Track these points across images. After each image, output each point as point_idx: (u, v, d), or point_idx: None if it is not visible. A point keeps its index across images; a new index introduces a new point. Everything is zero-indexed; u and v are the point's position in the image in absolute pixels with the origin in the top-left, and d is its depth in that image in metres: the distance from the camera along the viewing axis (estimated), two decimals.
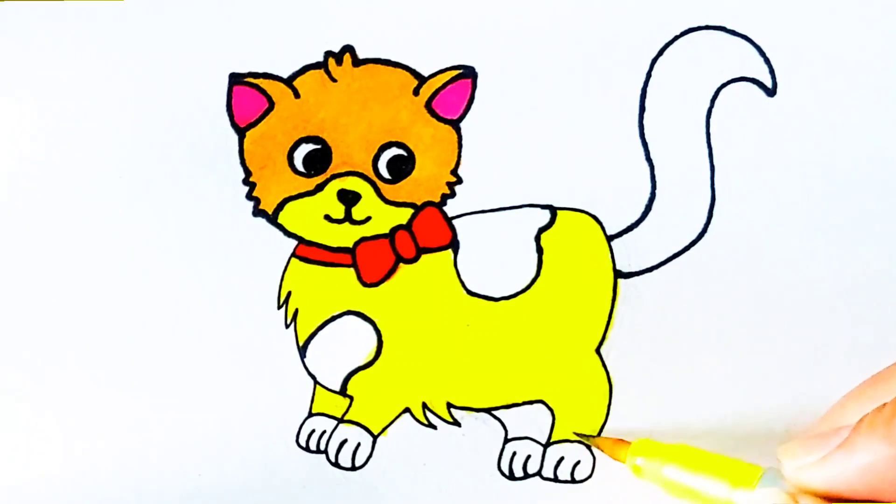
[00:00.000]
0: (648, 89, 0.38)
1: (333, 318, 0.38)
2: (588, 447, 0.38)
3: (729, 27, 0.39)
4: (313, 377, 0.38)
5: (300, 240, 0.38)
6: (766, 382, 0.38)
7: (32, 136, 0.38)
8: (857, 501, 0.31)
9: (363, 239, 0.38)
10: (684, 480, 0.35)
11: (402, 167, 0.38)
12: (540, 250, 0.38)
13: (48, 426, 0.37)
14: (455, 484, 0.38)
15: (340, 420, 0.38)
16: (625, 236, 0.38)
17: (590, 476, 0.38)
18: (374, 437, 0.38)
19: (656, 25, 0.38)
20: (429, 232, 0.38)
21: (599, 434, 0.38)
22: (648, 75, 0.38)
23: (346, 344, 0.38)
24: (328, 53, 0.38)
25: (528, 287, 0.38)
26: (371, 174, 0.38)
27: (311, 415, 0.38)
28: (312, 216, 0.38)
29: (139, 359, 0.38)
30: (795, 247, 0.39)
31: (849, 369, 0.37)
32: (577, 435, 0.38)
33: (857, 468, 0.31)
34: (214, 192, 0.38)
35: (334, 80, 0.38)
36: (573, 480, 0.38)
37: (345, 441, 0.38)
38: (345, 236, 0.38)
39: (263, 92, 0.38)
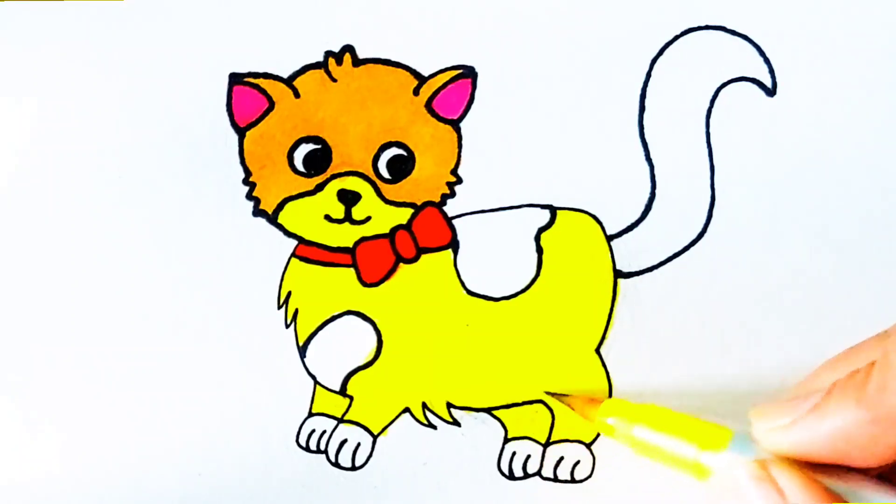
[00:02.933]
0: (648, 89, 0.38)
1: (333, 318, 0.38)
2: (588, 446, 0.38)
3: (729, 27, 0.39)
4: (313, 377, 0.38)
5: (300, 240, 0.38)
6: (765, 382, 0.38)
7: (32, 135, 0.38)
8: (825, 466, 0.31)
9: (363, 239, 0.38)
10: (654, 440, 0.35)
11: (402, 167, 0.38)
12: (540, 250, 0.38)
13: (48, 426, 0.37)
14: (455, 484, 0.38)
15: (340, 420, 0.38)
16: (625, 236, 0.38)
17: (589, 476, 0.38)
18: (374, 437, 0.38)
19: (656, 25, 0.39)
20: (429, 232, 0.38)
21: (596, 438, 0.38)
22: (648, 75, 0.38)
23: (345, 344, 0.38)
24: (328, 53, 0.38)
25: (528, 287, 0.38)
26: (371, 174, 0.38)
27: (311, 415, 0.38)
28: (312, 216, 0.38)
29: (139, 359, 0.38)
30: (795, 246, 0.39)
31: None
32: (548, 394, 0.38)
33: (828, 431, 0.31)
34: (214, 192, 0.38)
35: (334, 80, 0.38)
36: (573, 480, 0.38)
37: (345, 441, 0.38)
38: (345, 236, 0.38)
39: (263, 92, 0.38)
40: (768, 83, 0.39)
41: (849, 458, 0.31)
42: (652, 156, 0.38)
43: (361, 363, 0.38)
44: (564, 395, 0.38)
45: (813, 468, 0.32)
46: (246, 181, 0.38)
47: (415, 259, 0.38)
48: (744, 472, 0.32)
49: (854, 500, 0.31)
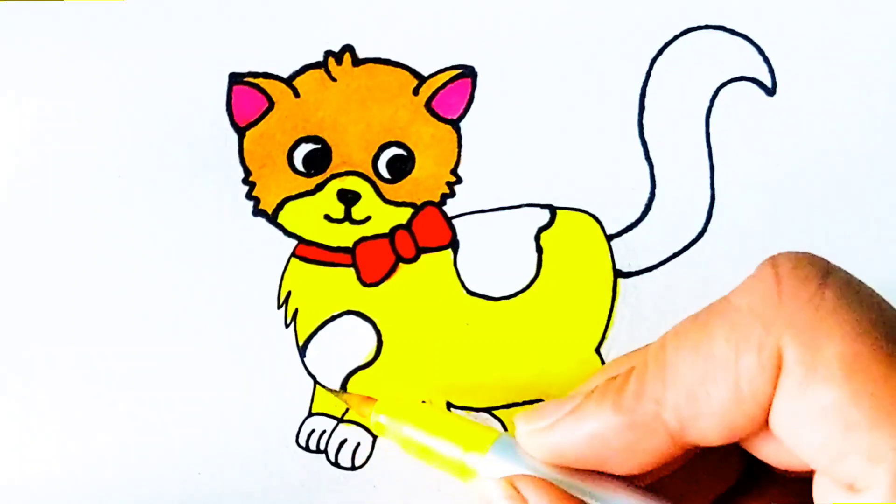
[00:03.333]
0: (648, 89, 0.38)
1: (333, 318, 0.38)
2: None
3: (729, 27, 0.39)
4: (313, 377, 0.38)
5: (300, 239, 0.38)
6: None
7: (32, 135, 0.38)
8: (590, 472, 0.31)
9: (363, 239, 0.38)
10: (422, 440, 0.35)
11: (402, 167, 0.38)
12: (540, 250, 0.38)
13: (48, 426, 0.37)
14: (455, 484, 0.38)
15: (340, 420, 0.38)
16: (624, 236, 0.38)
17: None
18: (374, 437, 0.38)
19: (656, 25, 0.39)
20: (428, 231, 0.38)
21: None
22: (648, 75, 0.38)
23: (345, 344, 0.38)
24: (328, 53, 0.38)
25: (528, 287, 0.38)
26: (371, 174, 0.38)
27: (310, 414, 0.38)
28: (312, 216, 0.38)
29: (139, 358, 0.38)
30: (794, 246, 0.38)
31: None
32: (324, 388, 0.38)
33: (585, 435, 0.30)
34: (214, 191, 0.38)
35: (334, 80, 0.38)
36: None
37: (345, 441, 0.38)
38: (345, 236, 0.38)
39: (263, 91, 0.38)
40: (768, 83, 0.39)
41: (607, 464, 0.31)
42: (652, 155, 0.38)
43: (361, 363, 0.38)
44: (340, 391, 0.38)
45: (579, 474, 0.31)
46: (246, 181, 0.38)
47: (415, 259, 0.38)
48: (496, 491, 0.32)
49: None
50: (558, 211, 0.38)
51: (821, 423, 0.27)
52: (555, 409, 0.32)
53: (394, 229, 0.38)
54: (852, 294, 0.29)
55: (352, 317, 0.38)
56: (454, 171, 0.38)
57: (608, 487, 0.31)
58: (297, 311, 0.38)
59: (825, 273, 0.29)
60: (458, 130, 0.38)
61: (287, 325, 0.38)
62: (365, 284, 0.38)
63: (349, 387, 0.38)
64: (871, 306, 0.28)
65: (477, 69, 0.38)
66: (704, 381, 0.29)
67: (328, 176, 0.38)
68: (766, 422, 0.29)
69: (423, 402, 0.37)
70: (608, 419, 0.30)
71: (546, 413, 0.32)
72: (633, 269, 0.38)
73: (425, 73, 0.38)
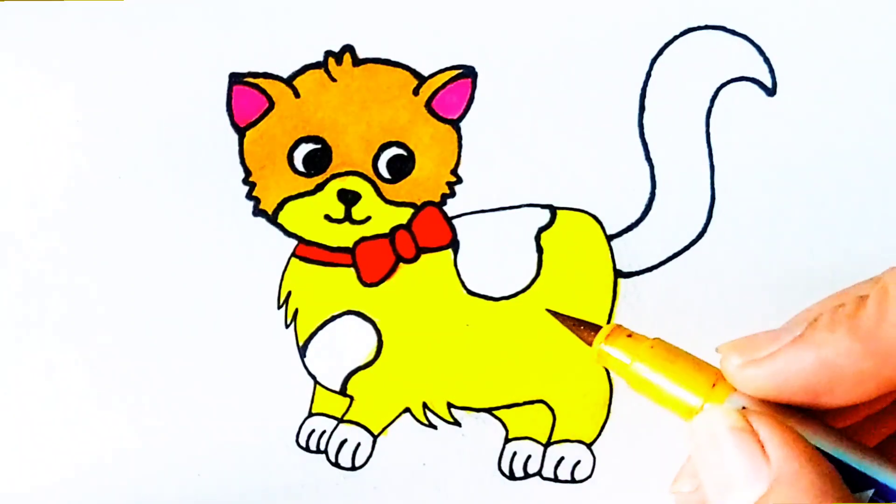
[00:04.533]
0: (648, 89, 0.38)
1: (333, 318, 0.38)
2: (588, 446, 0.38)
3: (729, 27, 0.39)
4: (313, 377, 0.38)
5: (300, 240, 0.38)
6: None
7: (32, 135, 0.38)
8: (798, 407, 0.29)
9: (363, 239, 0.38)
10: (653, 379, 0.31)
11: (402, 167, 0.38)
12: (540, 250, 0.38)
13: (48, 426, 0.37)
14: (455, 484, 0.38)
15: (340, 420, 0.38)
16: (625, 236, 0.38)
17: (590, 476, 0.38)
18: (374, 437, 0.38)
19: (656, 25, 0.39)
20: (429, 232, 0.38)
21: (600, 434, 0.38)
22: (648, 75, 0.38)
23: (345, 344, 0.38)
24: (328, 53, 0.38)
25: (528, 287, 0.38)
26: (371, 174, 0.38)
27: (311, 415, 0.38)
28: (312, 216, 0.38)
29: (139, 358, 0.38)
30: (794, 246, 0.39)
31: None
32: (550, 312, 0.36)
33: (814, 363, 0.28)
34: (214, 192, 0.38)
35: (334, 80, 0.38)
36: (573, 480, 0.38)
37: (345, 441, 0.38)
38: (345, 236, 0.38)
39: (263, 92, 0.38)
40: (768, 83, 0.39)
41: (830, 397, 0.28)
42: (652, 156, 0.38)
43: (361, 363, 0.38)
44: (566, 315, 0.35)
45: (794, 419, 0.29)
46: (246, 181, 0.38)
47: (415, 259, 0.38)
48: (722, 421, 0.29)
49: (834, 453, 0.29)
50: (558, 211, 0.38)
51: None
52: (771, 340, 0.29)
53: (394, 229, 0.38)
54: None
55: (352, 317, 0.38)
56: (454, 171, 0.38)
57: (815, 430, 0.29)
58: (297, 311, 0.38)
59: None
60: (458, 130, 0.38)
61: (287, 326, 0.38)
62: (365, 284, 0.38)
63: (349, 387, 0.38)
64: None
65: (477, 69, 0.38)
66: None
67: (328, 176, 0.38)
68: None
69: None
70: (844, 345, 0.28)
71: (761, 343, 0.29)
72: (633, 269, 0.38)
73: (425, 73, 0.38)
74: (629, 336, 0.32)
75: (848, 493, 0.28)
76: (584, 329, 0.33)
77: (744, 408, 0.29)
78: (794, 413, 0.29)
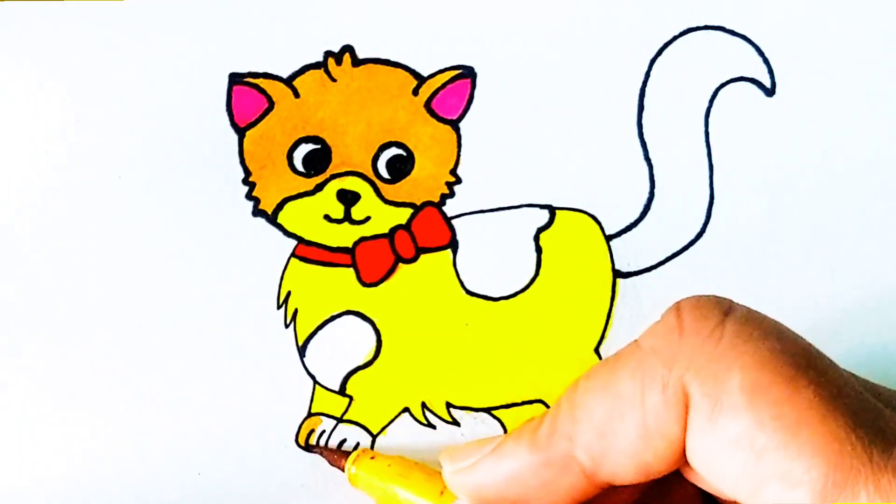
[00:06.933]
0: (647, 89, 0.38)
1: (333, 318, 0.38)
2: None
3: (728, 27, 0.39)
4: (313, 377, 0.38)
5: (300, 240, 0.38)
6: None
7: (32, 135, 0.38)
8: None
9: (362, 239, 0.38)
10: (397, 494, 0.36)
11: (402, 167, 0.38)
12: (539, 250, 0.38)
13: (48, 426, 0.37)
14: None
15: (340, 420, 0.38)
16: (624, 236, 0.38)
17: None
18: (374, 437, 0.38)
19: (656, 25, 0.39)
20: (428, 232, 0.38)
21: None
22: (647, 75, 0.38)
23: (345, 344, 0.38)
24: (328, 53, 0.38)
25: (528, 287, 0.38)
26: (370, 174, 0.38)
27: (310, 414, 0.38)
28: (312, 216, 0.38)
29: (139, 358, 0.38)
30: (794, 247, 0.39)
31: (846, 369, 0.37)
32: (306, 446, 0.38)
33: (504, 474, 0.31)
34: (214, 192, 0.38)
35: (334, 80, 0.38)
36: None
37: (344, 441, 0.38)
38: (344, 236, 0.38)
39: (263, 92, 0.38)
40: (767, 83, 0.39)
41: (528, 503, 0.31)
42: (651, 156, 0.38)
43: (361, 363, 0.38)
44: (316, 447, 0.38)
45: None
46: (245, 181, 0.38)
47: (414, 259, 0.38)
48: None
49: None
50: (558, 211, 0.38)
51: (734, 453, 0.27)
52: (476, 449, 0.32)
53: (393, 229, 0.38)
54: (752, 326, 0.29)
55: (351, 317, 0.38)
56: (454, 172, 0.38)
57: None
58: (296, 311, 0.38)
59: (726, 310, 0.29)
60: (457, 131, 0.38)
61: (287, 325, 0.38)
62: (364, 284, 0.38)
63: (349, 387, 0.38)
64: (771, 336, 0.29)
65: (477, 69, 0.38)
66: (612, 419, 0.29)
67: (328, 176, 0.38)
68: (686, 459, 0.29)
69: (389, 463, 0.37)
70: (524, 457, 0.31)
71: (469, 453, 0.32)
72: (632, 269, 0.39)
73: (425, 74, 0.38)
74: (372, 458, 0.37)
75: None
76: (338, 456, 0.37)
77: None
78: None
